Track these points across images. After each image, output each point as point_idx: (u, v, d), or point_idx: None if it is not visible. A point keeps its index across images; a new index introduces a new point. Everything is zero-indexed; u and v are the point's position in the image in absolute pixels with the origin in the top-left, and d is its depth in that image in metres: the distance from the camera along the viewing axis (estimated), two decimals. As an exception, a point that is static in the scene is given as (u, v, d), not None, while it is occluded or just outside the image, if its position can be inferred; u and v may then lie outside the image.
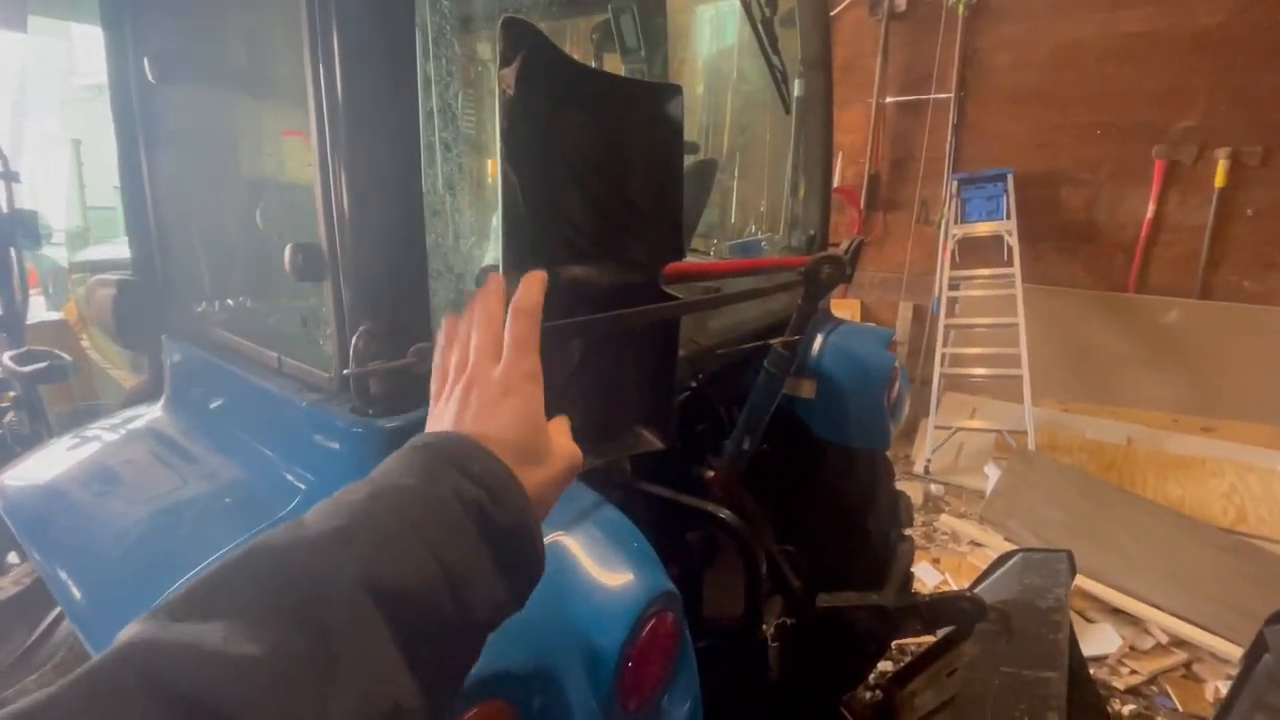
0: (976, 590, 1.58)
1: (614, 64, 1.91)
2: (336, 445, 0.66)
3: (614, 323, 0.69)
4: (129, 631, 0.31)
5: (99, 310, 1.04)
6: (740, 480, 1.29)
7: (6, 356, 1.57)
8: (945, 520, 3.42)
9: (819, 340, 1.69)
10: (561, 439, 0.53)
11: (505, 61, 0.55)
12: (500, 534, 0.43)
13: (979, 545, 3.22)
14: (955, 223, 3.94)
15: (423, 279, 0.65)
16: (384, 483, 0.42)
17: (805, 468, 1.68)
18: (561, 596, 0.63)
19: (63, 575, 0.66)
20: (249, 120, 1.00)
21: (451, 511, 0.41)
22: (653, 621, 0.68)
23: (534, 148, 0.58)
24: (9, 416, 2.23)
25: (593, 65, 1.94)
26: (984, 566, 1.80)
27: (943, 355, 3.90)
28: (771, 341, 1.16)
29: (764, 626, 1.05)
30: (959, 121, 4.03)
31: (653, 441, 0.90)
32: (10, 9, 1.49)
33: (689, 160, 1.59)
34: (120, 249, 2.25)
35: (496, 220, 0.93)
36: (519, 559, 0.44)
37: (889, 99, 4.24)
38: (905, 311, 4.41)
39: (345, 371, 0.58)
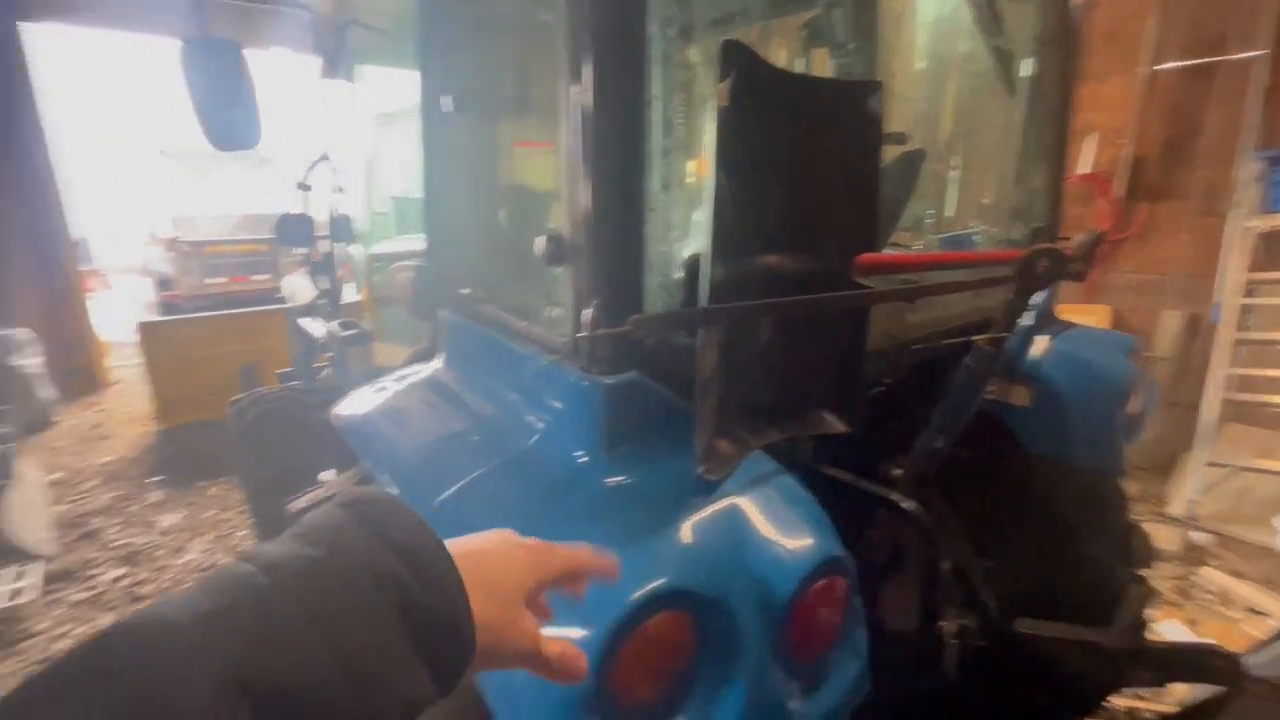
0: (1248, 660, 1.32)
1: (823, 58, 1.91)
2: (567, 396, 0.82)
3: (801, 307, 0.75)
4: None
5: (399, 289, 1.37)
6: (931, 482, 1.25)
7: (333, 324, 2.11)
8: (1210, 575, 2.81)
9: (1041, 345, 1.53)
10: (529, 622, 0.46)
11: (722, 77, 0.65)
12: (423, 615, 0.37)
13: (1259, 613, 2.59)
14: (1256, 212, 3.16)
15: (640, 264, 0.78)
16: (286, 552, 0.36)
17: (1013, 482, 1.54)
18: (742, 543, 0.72)
19: (384, 476, 0.92)
20: (505, 138, 1.25)
21: (361, 589, 0.36)
22: (823, 582, 0.73)
23: (743, 150, 0.67)
24: (325, 371, 2.96)
25: (801, 61, 1.96)
26: (1264, 638, 1.47)
27: (1227, 377, 3.17)
28: (975, 339, 1.11)
29: (945, 646, 1.02)
30: (1274, 82, 3.20)
31: (835, 424, 0.93)
32: (340, 65, 2.00)
33: (895, 151, 1.55)
34: (398, 244, 2.84)
35: (697, 214, 1.04)
36: (444, 644, 0.38)
37: (1164, 65, 3.54)
38: (1171, 321, 3.66)
39: (577, 335, 0.73)
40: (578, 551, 0.52)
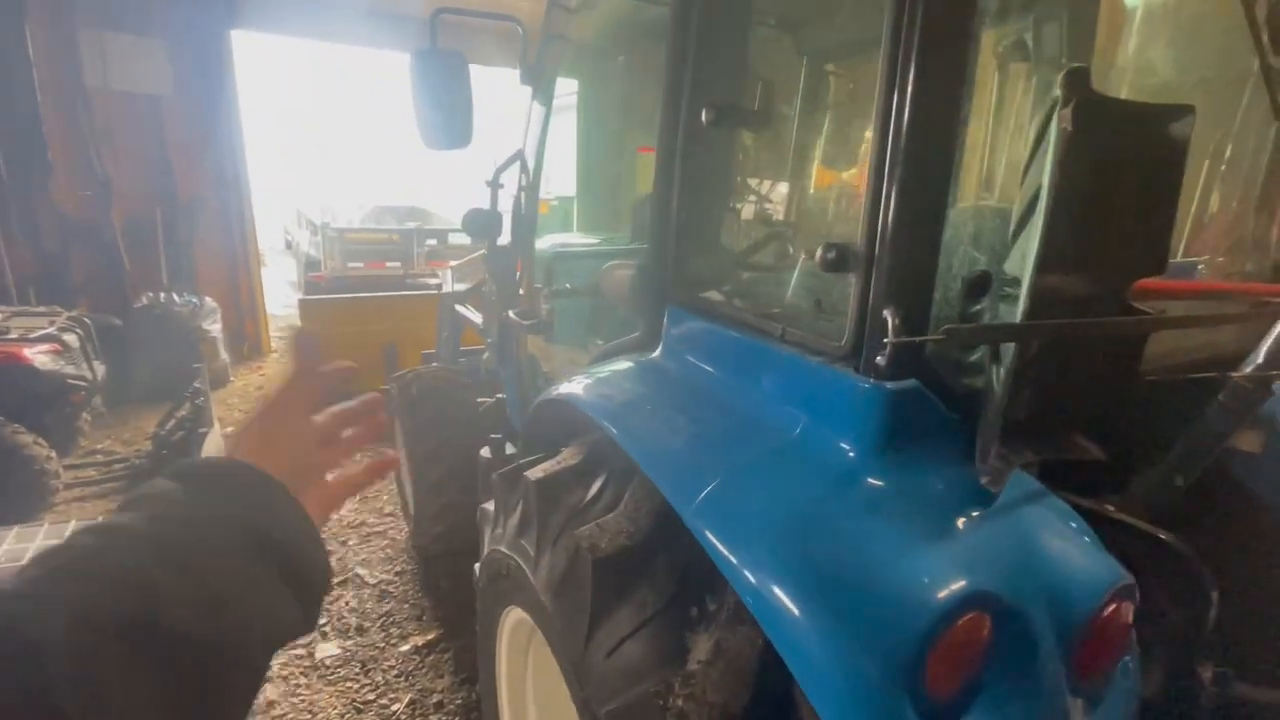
0: None
1: (1020, 73, 1.86)
2: (841, 398, 0.86)
3: (1087, 329, 0.76)
4: None
5: (615, 286, 1.47)
6: (1154, 522, 1.19)
7: (508, 313, 2.28)
8: None
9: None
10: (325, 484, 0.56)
11: (1065, 104, 0.67)
12: (280, 549, 0.43)
13: None
14: None
15: (934, 274, 0.81)
16: (150, 512, 0.41)
17: (1231, 532, 1.43)
18: (1035, 555, 0.73)
19: (638, 455, 0.99)
20: (766, 155, 1.31)
21: (220, 532, 0.41)
22: (1114, 606, 0.73)
23: (1076, 173, 0.69)
24: (485, 355, 3.18)
25: (997, 77, 1.92)
26: None
27: None
28: (1232, 375, 1.05)
29: (1200, 692, 0.97)
30: None
31: (1092, 450, 0.92)
32: (538, 75, 2.15)
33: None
34: (569, 241, 2.99)
35: (961, 225, 1.05)
36: (303, 571, 0.45)
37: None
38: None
39: (885, 340, 0.77)
40: (295, 378, 0.59)
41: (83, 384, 3.45)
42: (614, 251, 2.14)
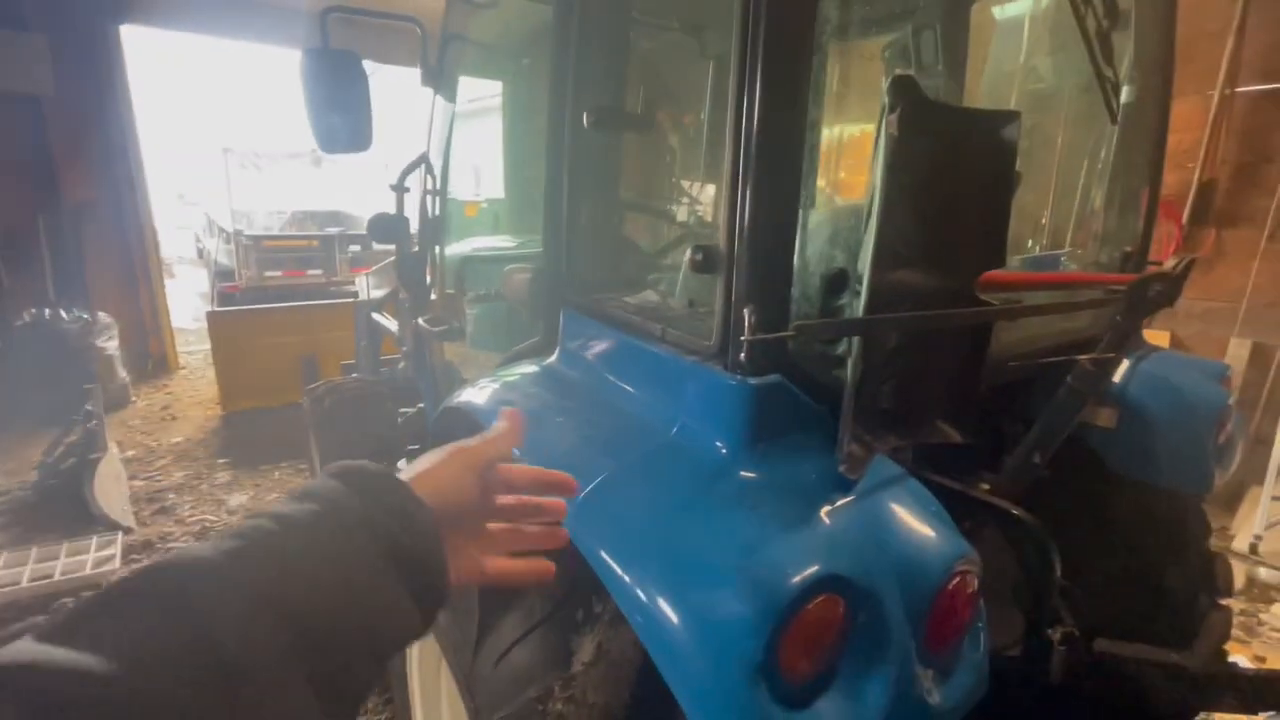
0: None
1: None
2: (711, 395, 0.89)
3: (951, 320, 0.81)
4: (12, 651, 0.31)
5: (515, 289, 1.46)
6: (1018, 501, 1.28)
7: (419, 320, 2.23)
8: (1278, 613, 2.74)
9: (1125, 366, 1.55)
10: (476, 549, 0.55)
11: (892, 109, 0.71)
12: (408, 557, 0.45)
13: (1329, 652, 2.53)
14: (1333, 243, 3.10)
15: (791, 273, 0.84)
16: (292, 509, 0.43)
17: (1092, 502, 1.56)
18: (885, 537, 0.78)
19: (526, 451, 0.99)
20: (633, 149, 1.32)
21: (357, 536, 0.43)
22: (958, 579, 0.78)
23: (904, 175, 0.73)
24: (401, 365, 3.08)
25: (883, 81, 2.01)
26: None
27: (1297, 409, 3.10)
28: (1079, 358, 1.14)
29: (1053, 653, 1.04)
30: (1356, 110, 3.15)
31: (951, 434, 0.98)
32: (439, 76, 2.11)
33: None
34: (479, 246, 2.94)
35: (820, 224, 1.10)
36: (427, 581, 0.46)
37: (1240, 89, 3.49)
38: (1239, 349, 3.59)
39: (742, 338, 0.79)
40: (495, 437, 0.60)
41: (-50, 412, 3.13)
42: (525, 255, 2.12)
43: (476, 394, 1.26)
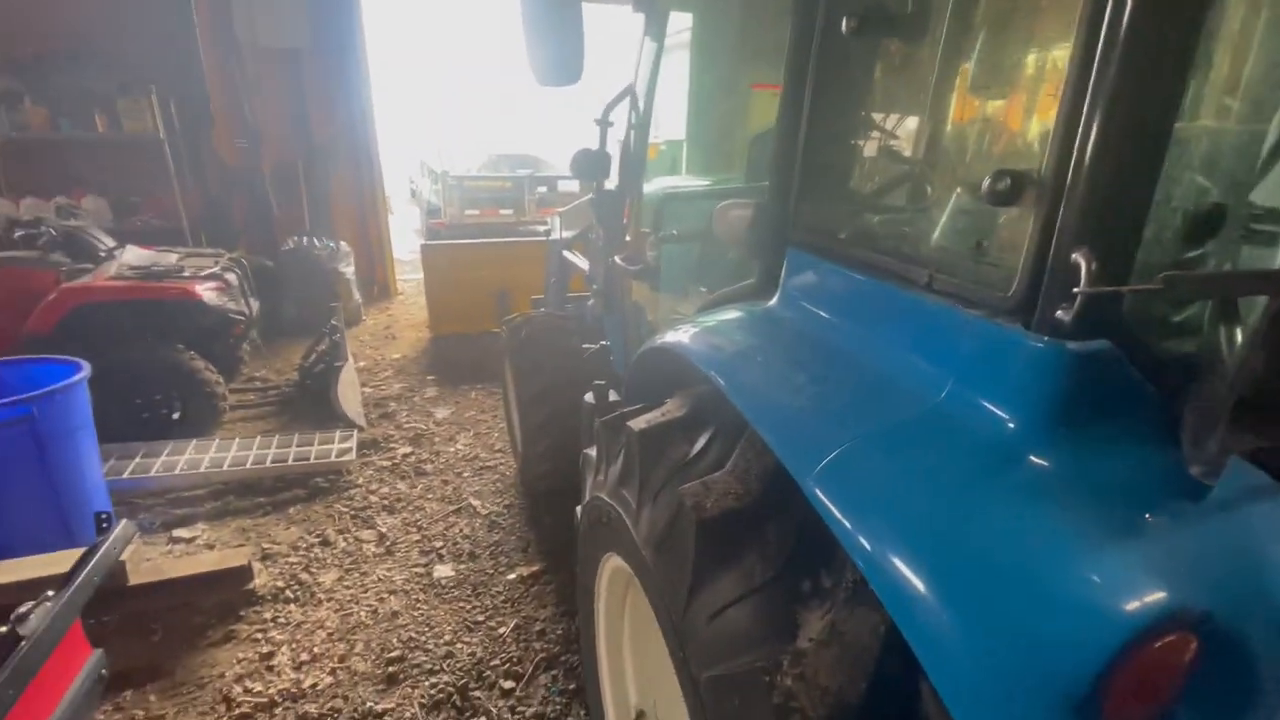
0: None
1: None
2: (1006, 357, 0.72)
3: None
4: None
5: (729, 227, 1.36)
6: None
7: (616, 258, 2.24)
8: None
9: None
10: None
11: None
12: None
13: None
14: None
15: (1146, 207, 0.63)
16: None
17: None
18: (1253, 562, 0.58)
19: (745, 399, 0.91)
20: (916, 70, 1.12)
21: None
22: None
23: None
24: (590, 302, 3.18)
25: None
26: None
27: None
28: None
29: None
30: None
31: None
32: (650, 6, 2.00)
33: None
34: (686, 183, 2.87)
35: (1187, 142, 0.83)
36: None
37: None
38: None
39: (1076, 290, 0.62)
40: None
41: (241, 318, 3.85)
42: (727, 192, 2.00)
43: (685, 336, 1.20)
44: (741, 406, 0.92)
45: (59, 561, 2.23)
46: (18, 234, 3.59)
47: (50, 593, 1.61)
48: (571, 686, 2.15)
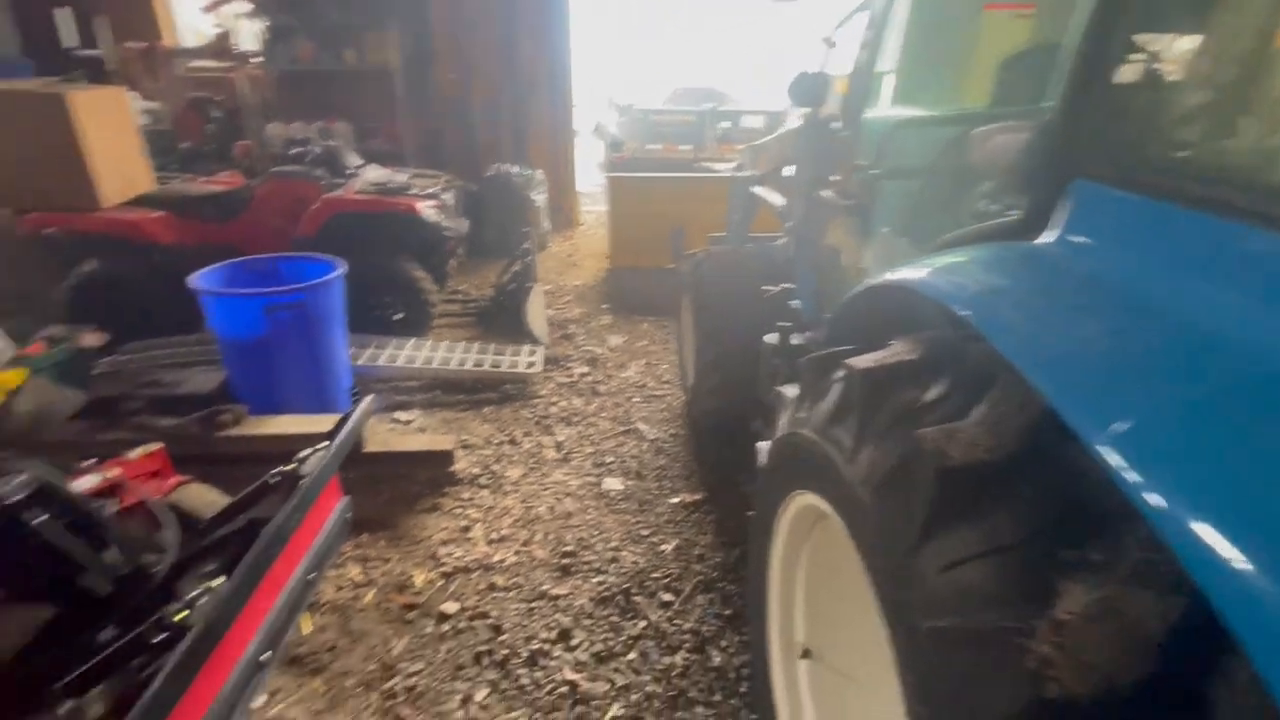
0: None
1: None
2: None
3: None
4: None
5: (991, 155, 1.20)
6: None
7: (824, 194, 2.11)
8: None
9: None
10: None
11: None
12: None
13: None
14: None
15: None
16: None
17: None
18: None
19: (1011, 343, 0.81)
20: None
21: None
22: None
23: None
24: (781, 240, 3.07)
25: None
26: None
27: None
28: None
29: None
30: None
31: None
32: None
33: None
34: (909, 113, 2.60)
35: None
36: None
37: None
38: None
39: None
40: None
41: (453, 236, 4.29)
42: (970, 119, 1.77)
43: (924, 274, 1.10)
44: (1007, 352, 0.83)
45: (320, 423, 2.73)
46: (292, 151, 4.28)
47: (322, 445, 1.97)
48: (728, 613, 2.22)
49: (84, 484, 1.75)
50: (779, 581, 1.64)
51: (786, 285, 2.73)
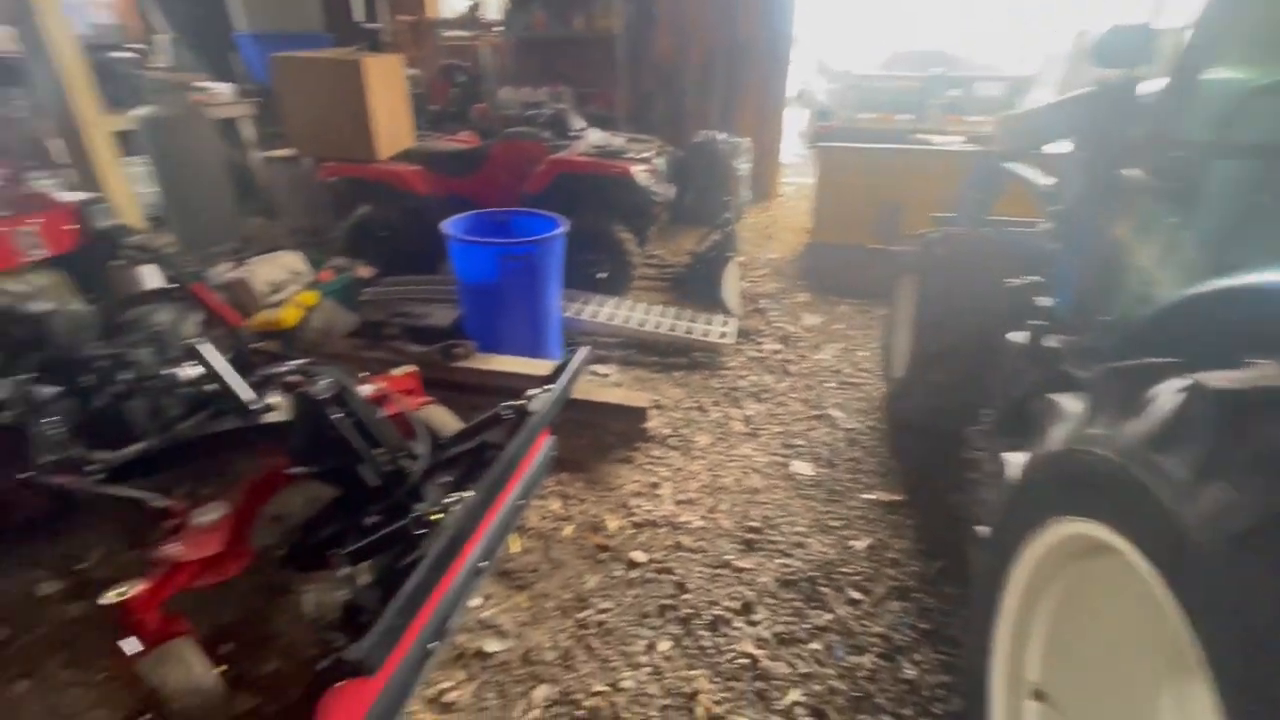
0: None
1: None
2: None
3: None
4: None
5: None
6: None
7: (1128, 171, 1.77)
8: None
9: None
10: None
11: None
12: None
13: None
14: None
15: None
16: None
17: None
18: None
19: None
20: None
21: None
22: None
23: None
24: (1042, 226, 2.67)
25: None
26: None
27: None
28: None
29: None
30: None
31: None
32: None
33: None
34: None
35: None
36: None
37: None
38: None
39: None
40: None
41: (661, 200, 4.37)
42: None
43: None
44: None
45: (535, 365, 2.97)
46: (526, 113, 4.63)
47: (547, 387, 2.13)
48: (925, 626, 2.05)
49: (363, 391, 2.07)
50: (1014, 610, 1.46)
51: (1033, 278, 2.37)
